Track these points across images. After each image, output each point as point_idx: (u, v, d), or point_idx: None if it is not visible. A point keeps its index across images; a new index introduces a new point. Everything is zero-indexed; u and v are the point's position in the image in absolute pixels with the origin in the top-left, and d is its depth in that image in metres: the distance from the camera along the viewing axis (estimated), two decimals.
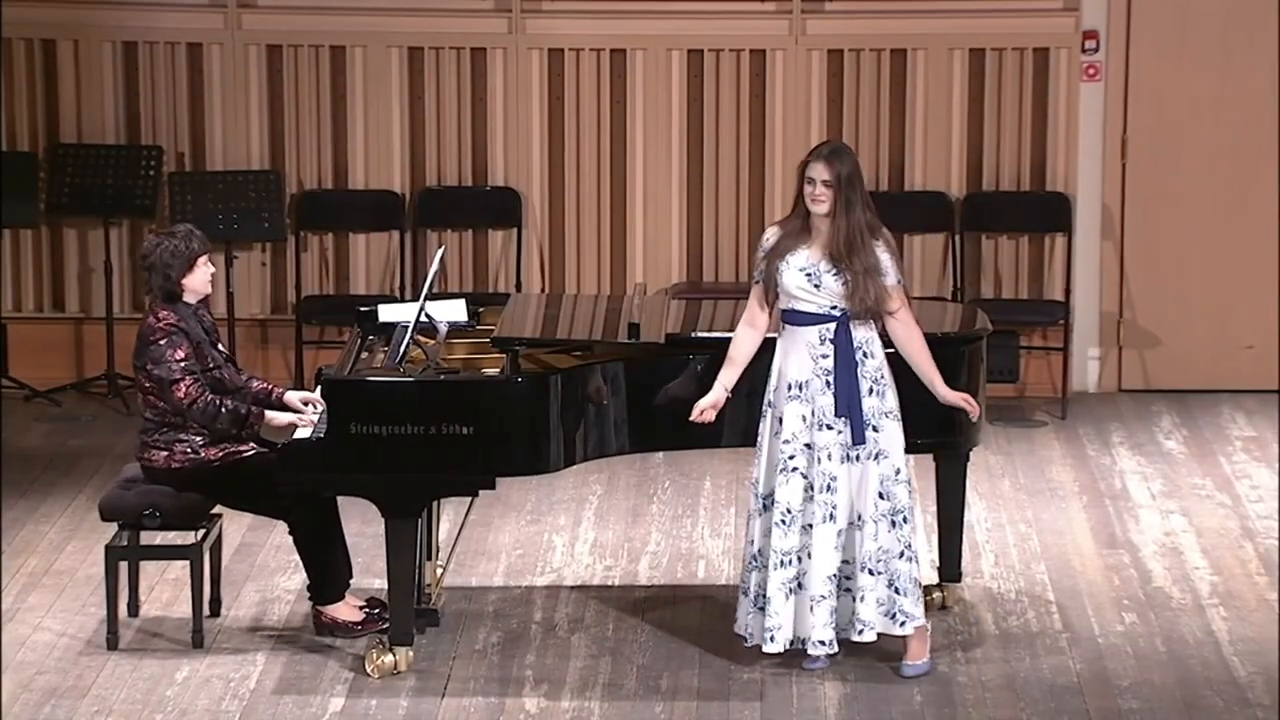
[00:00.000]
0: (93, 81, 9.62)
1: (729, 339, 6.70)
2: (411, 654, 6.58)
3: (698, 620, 7.01)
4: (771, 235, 6.46)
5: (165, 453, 6.69)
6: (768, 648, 6.45)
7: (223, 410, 6.61)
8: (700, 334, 6.81)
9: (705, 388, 6.57)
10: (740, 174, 9.69)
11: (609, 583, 7.42)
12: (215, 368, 6.71)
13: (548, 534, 7.89)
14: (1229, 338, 9.68)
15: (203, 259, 6.71)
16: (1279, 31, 9.46)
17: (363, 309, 7.20)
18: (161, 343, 6.61)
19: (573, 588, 7.35)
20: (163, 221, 9.60)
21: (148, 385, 6.66)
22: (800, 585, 6.41)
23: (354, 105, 9.64)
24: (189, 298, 6.72)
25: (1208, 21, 9.50)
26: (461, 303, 7.14)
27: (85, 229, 9.72)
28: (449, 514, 7.78)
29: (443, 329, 6.90)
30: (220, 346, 6.81)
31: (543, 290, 9.71)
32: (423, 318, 6.82)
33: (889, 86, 9.60)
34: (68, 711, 6.33)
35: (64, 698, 6.42)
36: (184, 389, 6.58)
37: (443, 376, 6.56)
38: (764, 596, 6.46)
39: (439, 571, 7.17)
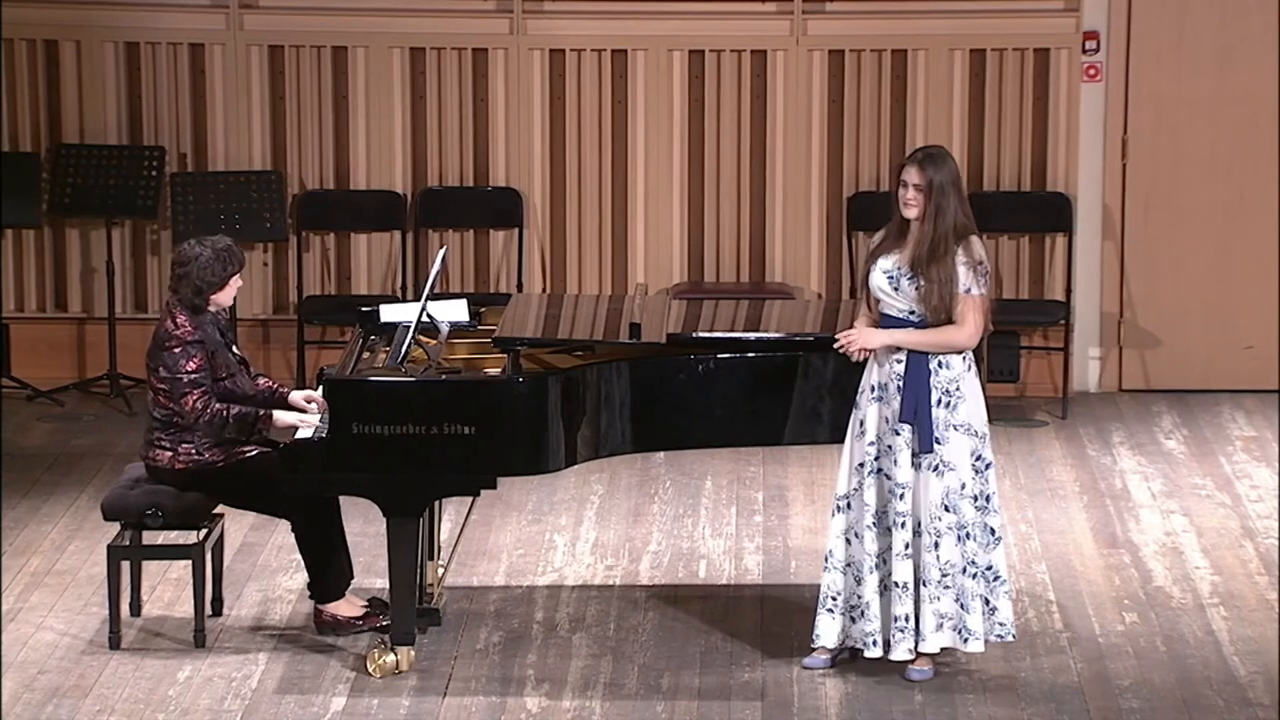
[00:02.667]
0: (95, 82, 9.62)
1: (730, 338, 6.70)
2: (413, 653, 6.58)
3: (699, 620, 7.00)
4: (876, 238, 6.51)
5: (170, 453, 6.69)
6: (870, 653, 6.44)
7: (230, 420, 6.61)
8: (701, 334, 6.80)
9: (710, 387, 6.58)
10: (741, 174, 9.69)
11: (610, 582, 7.41)
12: (228, 376, 6.71)
13: (549, 534, 7.89)
14: (1229, 338, 9.68)
15: (235, 278, 6.72)
16: (1279, 33, 9.46)
17: (364, 309, 7.20)
18: (175, 351, 6.61)
19: (574, 587, 7.34)
20: (164, 222, 9.61)
21: (159, 386, 6.66)
22: (887, 588, 6.43)
23: (356, 106, 9.64)
24: (211, 308, 6.73)
25: (1206, 23, 9.50)
26: (463, 303, 7.14)
27: (88, 229, 9.72)
28: (450, 514, 7.78)
29: (444, 329, 6.89)
30: (235, 349, 6.81)
31: (544, 290, 9.70)
32: (424, 318, 6.82)
33: (890, 87, 9.60)
34: (70, 711, 6.32)
35: (66, 697, 6.42)
36: (191, 402, 6.59)
37: (444, 376, 6.56)
38: (841, 600, 6.45)
39: (440, 571, 7.17)
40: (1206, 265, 9.64)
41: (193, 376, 6.60)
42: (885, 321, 6.42)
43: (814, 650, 6.56)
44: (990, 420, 6.54)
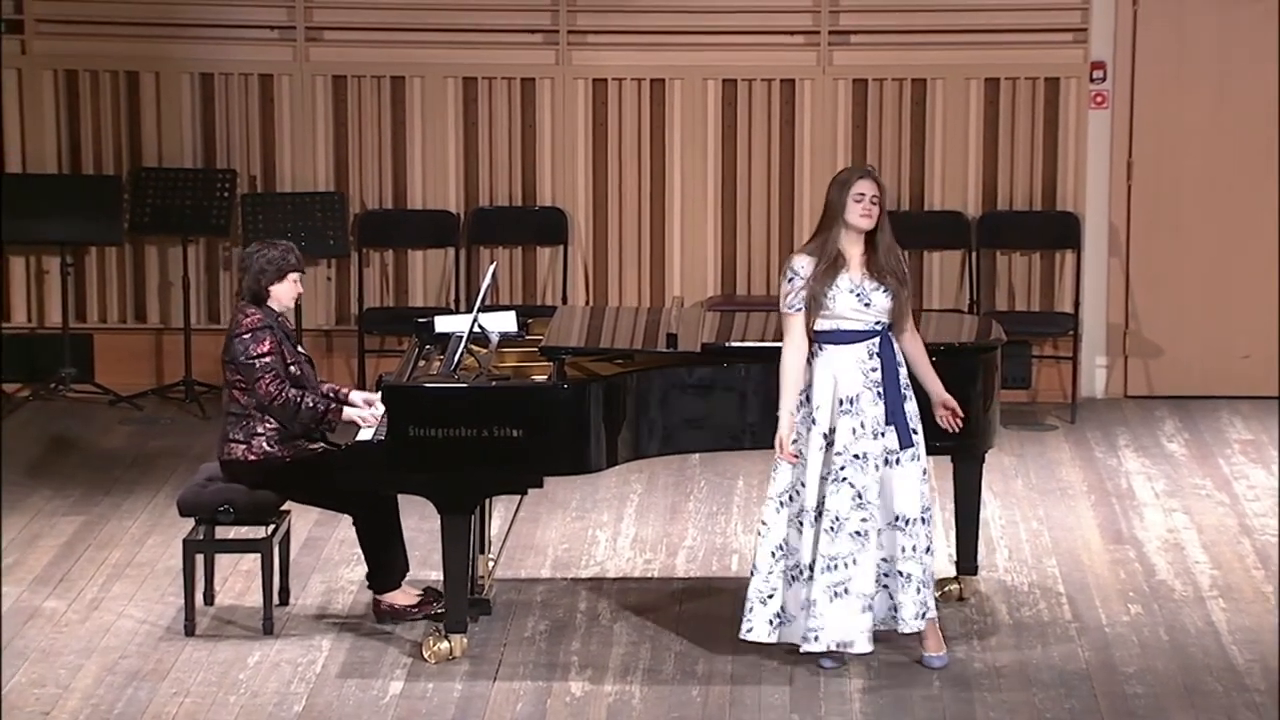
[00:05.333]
0: (172, 110, 9.66)
1: (761, 348, 6.68)
2: (465, 641, 6.58)
3: (731, 610, 6.98)
4: (806, 264, 6.26)
5: (243, 446, 6.71)
6: (808, 647, 6.30)
7: (302, 407, 6.62)
8: (734, 343, 6.78)
9: (738, 392, 6.57)
10: (771, 194, 9.68)
11: (649, 575, 7.40)
12: (294, 363, 6.72)
13: (591, 529, 7.88)
14: (1227, 347, 9.63)
15: (294, 275, 6.73)
16: (1278, 61, 9.42)
17: (420, 320, 7.20)
18: (246, 337, 6.63)
19: (615, 580, 7.33)
20: (236, 239, 9.64)
21: (233, 379, 6.68)
22: (846, 590, 6.29)
23: (413, 131, 9.66)
24: (273, 304, 6.74)
25: (1205, 54, 9.47)
26: (512, 314, 7.14)
27: (165, 246, 9.76)
28: (500, 511, 7.78)
29: (494, 339, 6.90)
30: (300, 348, 6.83)
31: (587, 303, 9.70)
32: (476, 328, 6.82)
33: (910, 113, 9.58)
34: (149, 693, 6.34)
35: (145, 680, 6.43)
36: (265, 385, 6.60)
37: (494, 383, 6.56)
38: (787, 601, 6.34)
39: (491, 564, 7.17)
40: (1206, 279, 9.60)
41: (265, 360, 6.60)
42: (843, 337, 6.26)
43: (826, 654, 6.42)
44: (1004, 424, 6.51)
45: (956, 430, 6.44)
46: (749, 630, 6.39)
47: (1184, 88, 9.50)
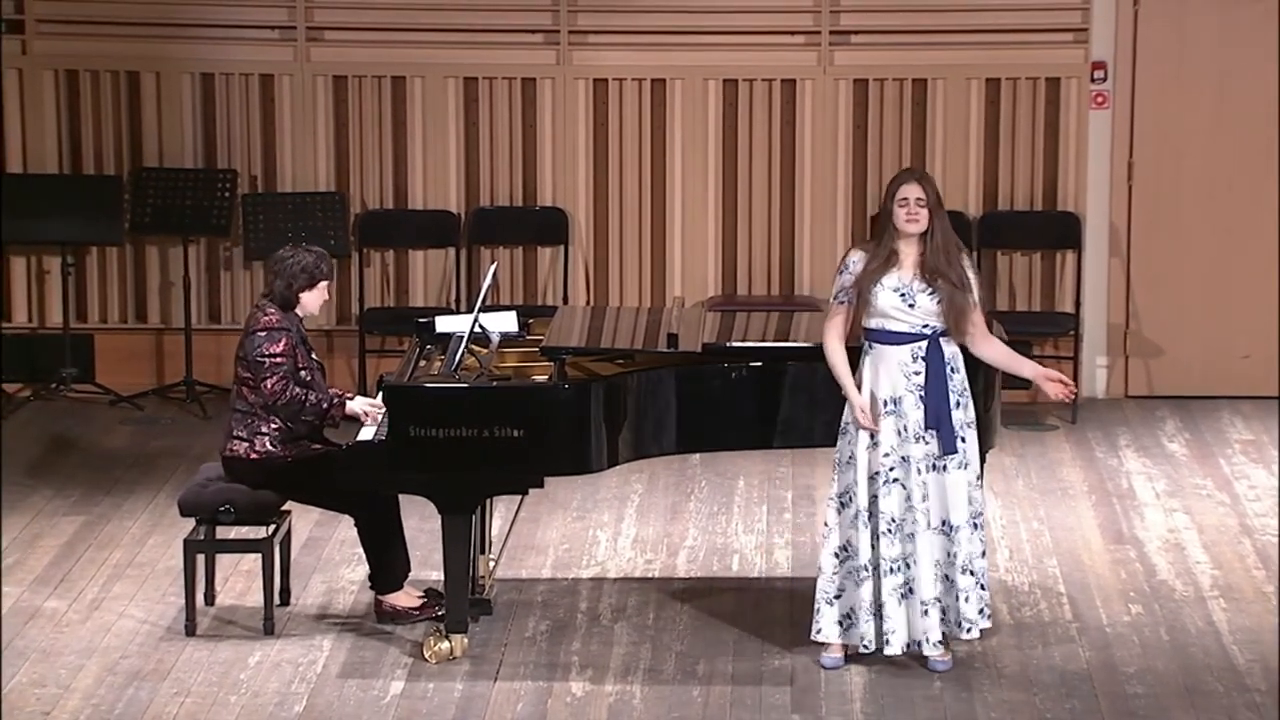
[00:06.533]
0: (173, 110, 9.66)
1: (761, 348, 6.68)
2: (466, 641, 6.58)
3: (732, 610, 6.99)
4: (858, 259, 6.29)
5: (246, 444, 6.71)
6: (888, 650, 6.34)
7: (307, 404, 6.62)
8: (735, 344, 6.78)
9: (742, 393, 6.57)
10: (772, 194, 9.68)
11: (649, 575, 7.40)
12: (305, 368, 6.73)
13: (592, 529, 7.88)
14: (1227, 347, 9.63)
15: (324, 283, 6.74)
16: (1278, 61, 9.42)
17: (421, 320, 7.20)
18: (262, 334, 6.64)
19: (615, 580, 7.33)
20: (236, 239, 9.65)
21: (243, 375, 6.68)
22: (910, 590, 6.32)
23: (413, 131, 9.66)
24: (300, 311, 6.75)
25: (1206, 55, 9.47)
26: (512, 314, 7.14)
27: (166, 246, 9.76)
28: (500, 511, 7.78)
29: (495, 339, 6.90)
30: (314, 355, 6.84)
31: (588, 303, 9.70)
32: (477, 328, 6.82)
33: (910, 114, 9.57)
34: (149, 693, 6.34)
35: (146, 680, 6.43)
36: (271, 384, 6.61)
37: (495, 383, 6.56)
38: (875, 603, 6.34)
39: (491, 564, 7.16)
40: (1206, 279, 9.59)
41: (275, 360, 6.61)
42: (888, 338, 6.27)
43: (828, 648, 6.43)
44: (1004, 425, 6.51)
45: (1071, 399, 6.41)
46: (818, 631, 6.42)
47: (1184, 88, 9.50)
